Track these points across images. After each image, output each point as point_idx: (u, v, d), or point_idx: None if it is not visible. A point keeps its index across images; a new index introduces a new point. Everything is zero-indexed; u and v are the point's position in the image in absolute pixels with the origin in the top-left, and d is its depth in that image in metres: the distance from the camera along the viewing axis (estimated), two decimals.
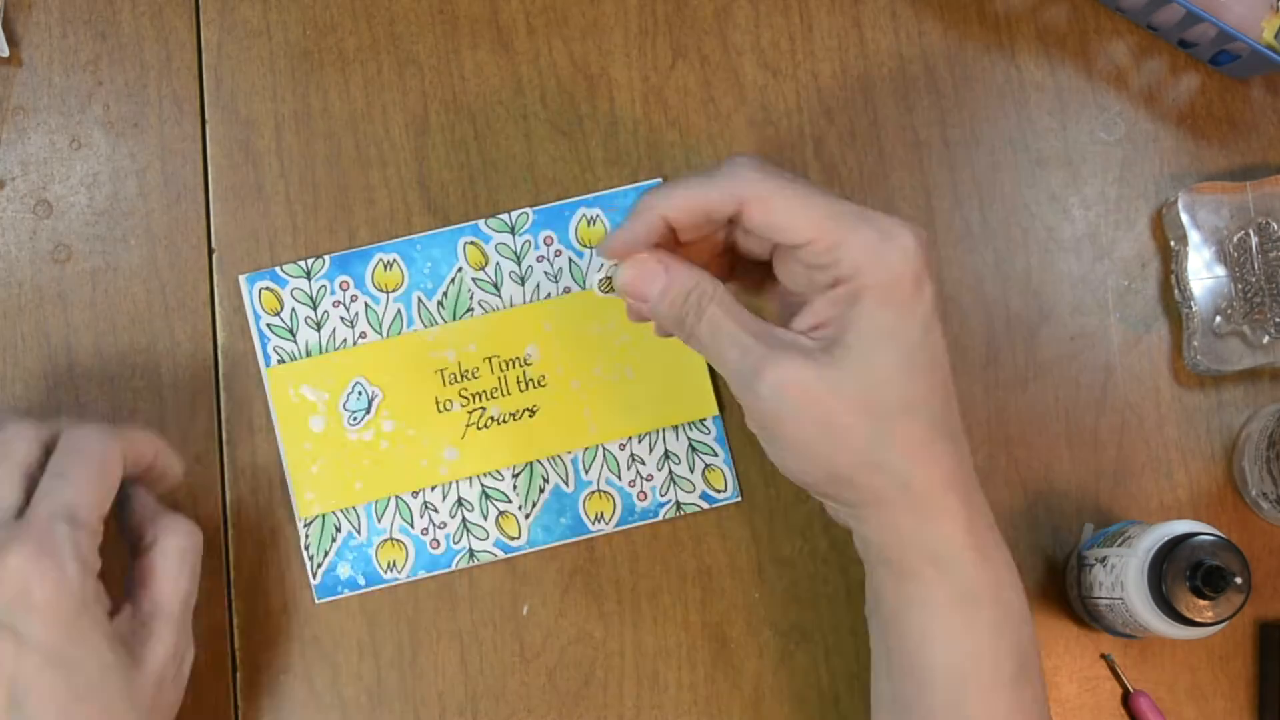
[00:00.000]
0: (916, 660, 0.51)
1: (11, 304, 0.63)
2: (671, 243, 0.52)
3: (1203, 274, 0.64)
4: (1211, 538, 0.56)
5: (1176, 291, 0.65)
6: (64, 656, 0.49)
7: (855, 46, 0.66)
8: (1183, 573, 0.56)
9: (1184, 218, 0.64)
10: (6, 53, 0.64)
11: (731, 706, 0.62)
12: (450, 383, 0.62)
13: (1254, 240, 0.64)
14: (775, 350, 0.50)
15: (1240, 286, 0.64)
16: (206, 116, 0.64)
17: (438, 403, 0.62)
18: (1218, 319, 0.64)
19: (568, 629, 0.62)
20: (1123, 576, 0.58)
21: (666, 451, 0.62)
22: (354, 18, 0.65)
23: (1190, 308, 0.64)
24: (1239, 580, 0.55)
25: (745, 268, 0.55)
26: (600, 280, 0.59)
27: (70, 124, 0.64)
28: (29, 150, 0.64)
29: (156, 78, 0.64)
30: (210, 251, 0.64)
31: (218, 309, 0.63)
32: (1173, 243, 0.65)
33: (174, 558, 0.54)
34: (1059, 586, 0.63)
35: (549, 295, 0.63)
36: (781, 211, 0.49)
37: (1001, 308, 0.65)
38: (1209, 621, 0.56)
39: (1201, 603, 0.56)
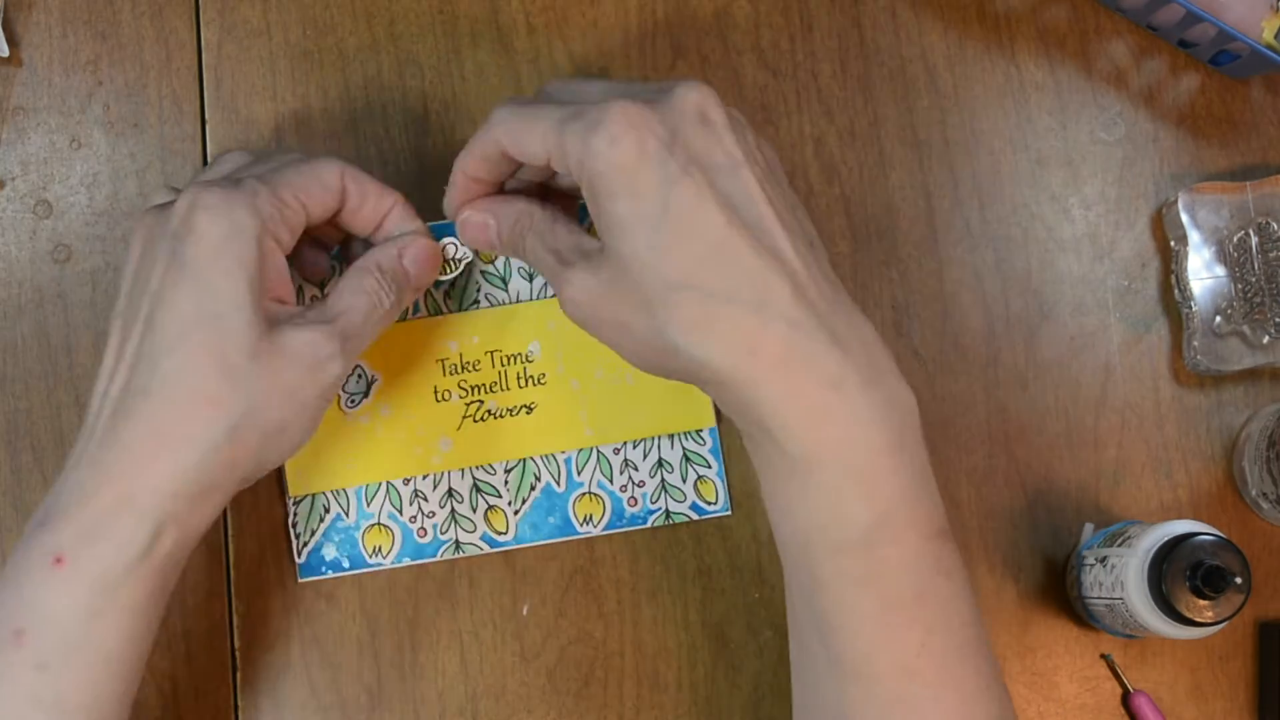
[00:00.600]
0: (777, 535, 0.51)
1: (11, 304, 0.63)
2: (498, 186, 0.58)
3: (1203, 274, 0.64)
4: (1211, 538, 0.56)
5: (1176, 291, 0.65)
6: (203, 282, 0.50)
7: (855, 46, 0.66)
8: (1183, 573, 0.56)
9: (1184, 218, 0.64)
10: (6, 53, 0.64)
11: (731, 706, 0.62)
12: (450, 373, 0.62)
13: (1254, 240, 0.64)
14: (567, 267, 0.52)
15: (1240, 286, 0.64)
16: (206, 116, 0.64)
17: (436, 392, 0.62)
18: (1218, 319, 0.64)
19: (568, 629, 0.62)
20: (1123, 576, 0.58)
21: (660, 459, 0.62)
22: (354, 18, 0.65)
23: (1190, 308, 0.64)
24: (1239, 580, 0.55)
25: (560, 191, 0.58)
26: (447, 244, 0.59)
27: (70, 124, 0.64)
28: (29, 150, 0.64)
29: (156, 78, 0.64)
30: None
31: None
32: (1173, 243, 0.65)
33: (367, 278, 0.55)
34: (1059, 586, 0.63)
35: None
36: (522, 138, 0.52)
37: (1001, 308, 0.65)
38: (1209, 621, 0.56)
39: (1201, 603, 0.56)
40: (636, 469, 0.62)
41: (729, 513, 0.63)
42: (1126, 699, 0.63)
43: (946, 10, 0.66)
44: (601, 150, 0.48)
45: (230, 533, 0.62)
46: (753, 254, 0.48)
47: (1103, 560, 0.59)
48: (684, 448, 0.62)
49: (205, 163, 0.64)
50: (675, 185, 0.48)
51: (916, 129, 0.66)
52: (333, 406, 0.62)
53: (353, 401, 0.62)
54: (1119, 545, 0.59)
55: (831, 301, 0.49)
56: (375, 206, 0.57)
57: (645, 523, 0.62)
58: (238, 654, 0.61)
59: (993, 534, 0.63)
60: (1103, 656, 0.63)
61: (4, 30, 0.64)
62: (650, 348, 0.50)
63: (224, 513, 0.62)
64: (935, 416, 0.64)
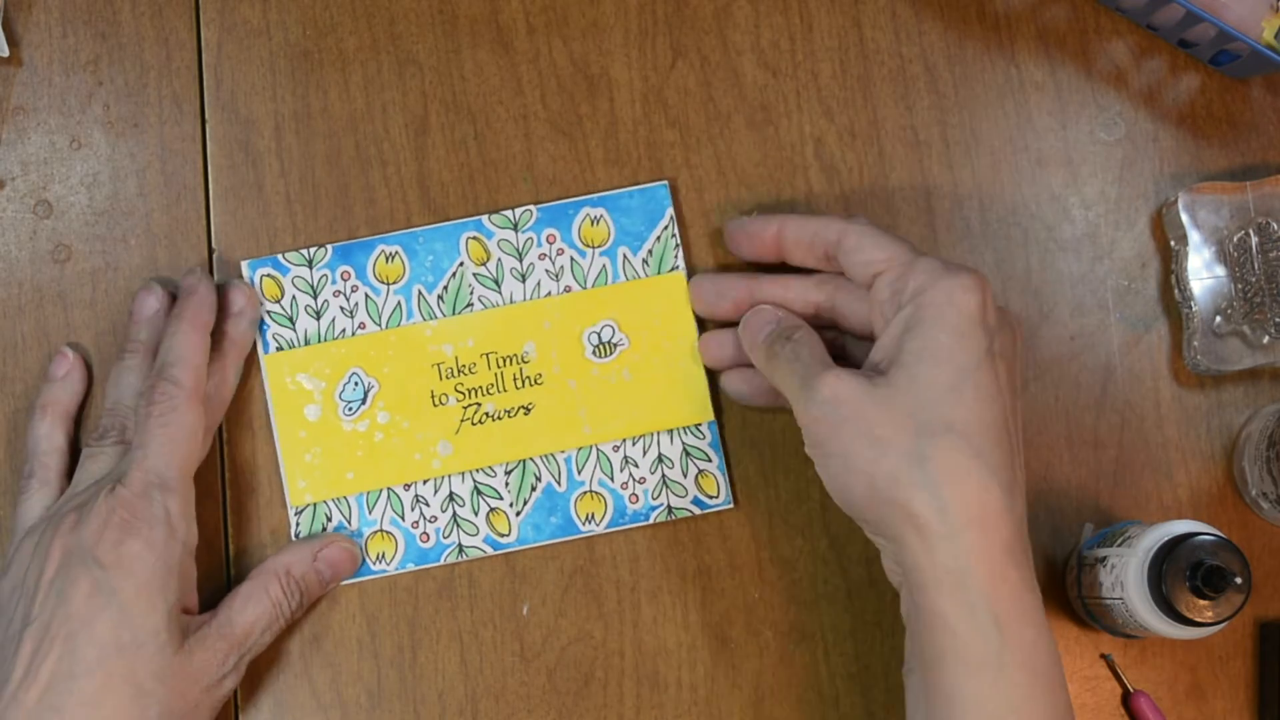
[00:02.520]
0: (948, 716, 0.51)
1: (11, 304, 0.63)
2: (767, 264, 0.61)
3: (1203, 274, 0.64)
4: (1211, 538, 0.56)
5: (1176, 291, 0.65)
6: (128, 614, 0.53)
7: (855, 46, 0.66)
8: (1183, 573, 0.56)
9: (1184, 218, 0.64)
10: (6, 53, 0.64)
11: (731, 706, 0.62)
12: (447, 377, 0.62)
13: (1254, 240, 0.64)
14: (830, 369, 0.54)
15: (1240, 286, 0.64)
16: (206, 116, 0.64)
17: (433, 396, 0.62)
18: (1218, 319, 0.64)
19: (568, 629, 0.62)
20: (1123, 576, 0.58)
21: (660, 455, 0.62)
22: (354, 18, 0.65)
23: (1190, 308, 0.64)
24: (1239, 580, 0.55)
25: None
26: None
27: (70, 124, 0.64)
28: (29, 150, 0.64)
29: (156, 78, 0.64)
30: (210, 251, 0.64)
31: None
32: (1173, 243, 0.65)
33: (273, 585, 0.58)
34: (1059, 586, 0.63)
35: (550, 294, 0.63)
36: (868, 239, 0.56)
37: None
38: (1209, 621, 0.56)
39: (1201, 603, 0.56)
40: (637, 465, 0.62)
41: (731, 506, 0.63)
42: (1126, 699, 0.63)
43: (946, 10, 0.66)
44: (953, 288, 0.52)
45: (230, 533, 0.62)
46: (1012, 448, 0.52)
47: (1103, 560, 0.59)
48: (684, 442, 0.62)
49: (205, 163, 0.64)
50: (994, 354, 0.52)
51: (916, 129, 0.66)
52: (331, 414, 0.62)
53: (350, 409, 0.62)
54: (1119, 545, 0.59)
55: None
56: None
57: (648, 519, 0.62)
58: None
59: None
60: (1103, 656, 0.63)
61: (4, 30, 0.64)
62: (890, 466, 0.51)
63: (224, 514, 0.62)
64: None
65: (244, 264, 0.62)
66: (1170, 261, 0.65)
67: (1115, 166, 0.66)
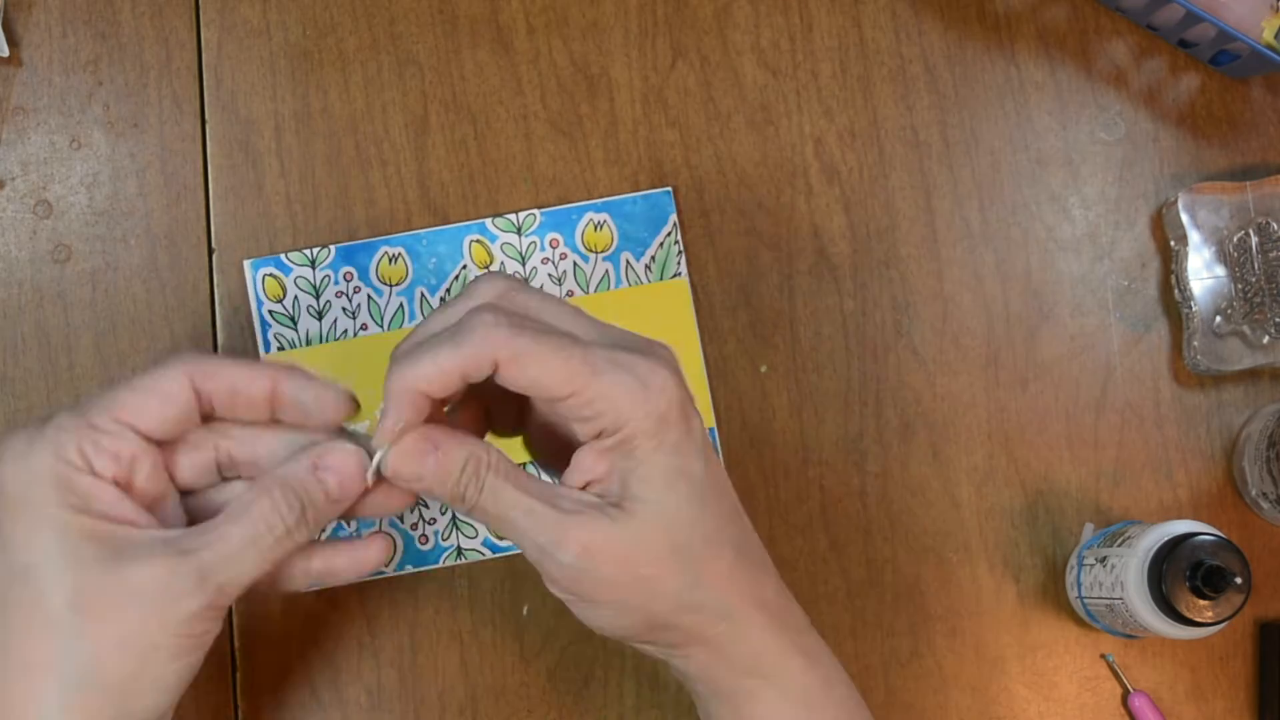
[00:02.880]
0: None
1: (11, 304, 0.63)
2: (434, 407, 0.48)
3: (1203, 274, 0.64)
4: (1211, 538, 0.56)
5: (1176, 291, 0.65)
6: (4, 536, 0.45)
7: (855, 46, 0.66)
8: (1183, 573, 0.56)
9: (1184, 218, 0.64)
10: (6, 53, 0.64)
11: None
12: None
13: (1254, 240, 0.64)
14: (569, 515, 0.47)
15: (1240, 286, 0.64)
16: (206, 116, 0.64)
17: None
18: (1218, 319, 0.64)
19: (568, 629, 0.62)
20: (1123, 576, 0.58)
21: None
22: (354, 18, 0.65)
23: (1190, 308, 0.64)
24: (1239, 580, 0.55)
25: (499, 407, 0.52)
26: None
27: (70, 124, 0.64)
28: (29, 150, 0.64)
29: (156, 78, 0.64)
30: (210, 251, 0.64)
31: (218, 309, 0.63)
32: (1173, 243, 0.65)
33: (262, 498, 0.47)
34: (1059, 586, 0.63)
35: None
36: (536, 369, 0.46)
37: (1001, 308, 0.65)
38: (1209, 621, 0.56)
39: (1201, 603, 0.56)
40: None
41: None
42: (1126, 699, 0.63)
43: (946, 10, 0.66)
44: (658, 404, 0.47)
45: None
46: (739, 512, 0.51)
47: (1103, 560, 0.59)
48: None
49: (205, 163, 0.64)
50: (706, 440, 0.49)
51: (916, 129, 0.66)
52: None
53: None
54: (1119, 545, 0.59)
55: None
56: (251, 394, 0.48)
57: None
58: (238, 654, 0.61)
59: (993, 534, 0.63)
60: (1103, 656, 0.63)
61: (4, 30, 0.64)
62: (666, 600, 0.48)
63: None
64: (935, 416, 0.64)
65: (246, 263, 0.62)
66: (1170, 261, 0.65)
67: (1115, 166, 0.66)
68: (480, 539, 0.62)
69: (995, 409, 0.64)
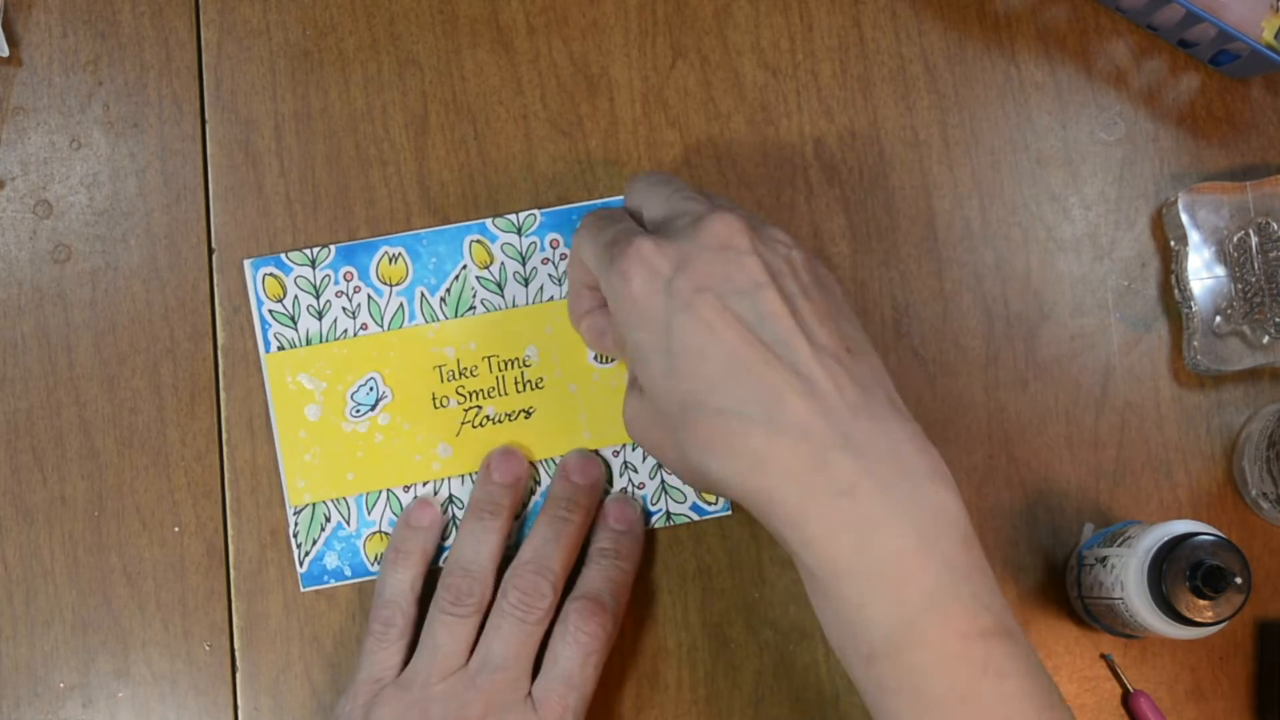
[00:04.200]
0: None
1: (11, 304, 0.63)
2: None
3: (1203, 274, 0.64)
4: (1211, 538, 0.56)
5: (1176, 291, 0.65)
6: None
7: (855, 46, 0.66)
8: (1183, 573, 0.56)
9: (1184, 218, 0.64)
10: (6, 53, 0.64)
11: (731, 706, 0.62)
12: (448, 379, 0.62)
13: (1254, 240, 0.64)
14: (630, 388, 0.56)
15: (1240, 286, 0.64)
16: (206, 116, 0.64)
17: (434, 399, 0.62)
18: (1218, 319, 0.64)
19: None
20: (1123, 576, 0.58)
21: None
22: (354, 18, 0.65)
23: (1190, 308, 0.64)
24: (1239, 580, 0.55)
25: None
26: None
27: (70, 124, 0.64)
28: (29, 150, 0.64)
29: (156, 78, 0.64)
30: (210, 251, 0.64)
31: (218, 309, 0.63)
32: (1173, 243, 0.65)
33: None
34: (1059, 586, 0.63)
35: (552, 298, 0.63)
36: (581, 259, 0.56)
37: (1001, 308, 0.65)
38: (1209, 621, 0.56)
39: (1201, 603, 0.56)
40: (636, 471, 0.62)
41: (729, 513, 0.63)
42: (1126, 699, 0.63)
43: (946, 10, 0.66)
44: (616, 286, 0.52)
45: (230, 533, 0.62)
46: (766, 369, 0.49)
47: (1103, 560, 0.59)
48: None
49: (205, 163, 0.64)
50: (679, 313, 0.50)
51: (916, 129, 0.66)
52: (332, 415, 0.62)
53: (358, 411, 0.62)
54: (1119, 545, 0.59)
55: (856, 408, 0.48)
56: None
57: (646, 525, 0.62)
58: (238, 654, 0.61)
59: (993, 534, 0.63)
60: (1103, 656, 0.63)
61: (4, 30, 0.64)
62: (684, 466, 0.52)
63: (224, 513, 0.62)
64: (935, 416, 0.64)
65: (246, 263, 0.62)
66: (1170, 261, 0.65)
67: (1115, 166, 0.66)
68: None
69: (995, 409, 0.64)
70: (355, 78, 0.65)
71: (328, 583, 0.61)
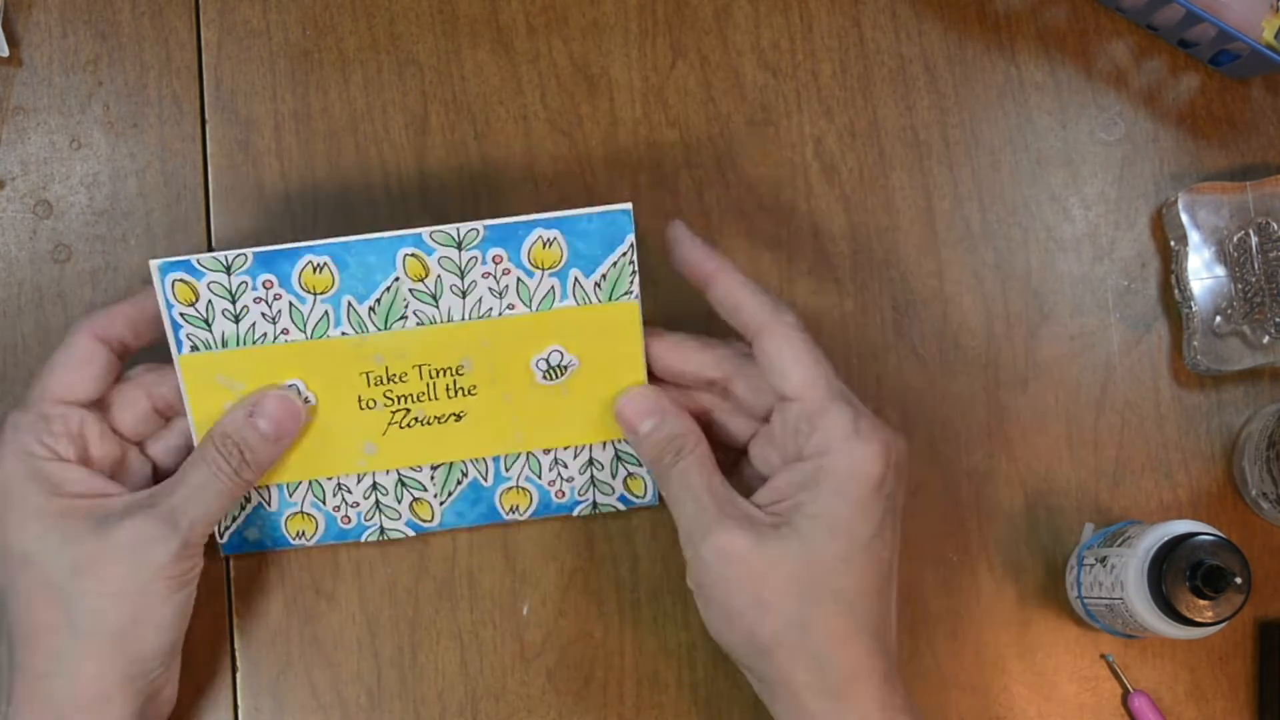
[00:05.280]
0: None
1: (11, 304, 0.63)
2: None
3: (1203, 274, 0.64)
4: (1211, 538, 0.56)
5: (1176, 291, 0.65)
6: (2, 536, 0.52)
7: (855, 46, 0.66)
8: (1183, 573, 0.56)
9: (1184, 218, 0.64)
10: (6, 53, 0.64)
11: (731, 706, 0.62)
12: (375, 384, 0.59)
13: (1254, 240, 0.64)
14: (726, 516, 0.52)
15: (1240, 286, 0.64)
16: (206, 116, 0.64)
17: (360, 401, 0.59)
18: (1218, 319, 0.64)
19: (568, 629, 0.62)
20: (1123, 576, 0.58)
21: (592, 459, 0.61)
22: (354, 18, 0.65)
23: (1190, 308, 0.64)
24: (1239, 580, 0.55)
25: (722, 450, 0.58)
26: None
27: (70, 124, 0.64)
28: (29, 150, 0.64)
29: (156, 78, 0.64)
30: (210, 251, 0.64)
31: None
32: (1173, 243, 0.65)
33: (208, 447, 0.56)
34: (1059, 586, 0.63)
35: (490, 311, 0.58)
36: (789, 353, 0.53)
37: (1001, 308, 0.65)
38: (1209, 621, 0.56)
39: (1201, 603, 0.56)
40: (565, 466, 0.61)
41: (656, 504, 0.62)
42: (1126, 699, 0.63)
43: (946, 10, 0.66)
44: (861, 456, 0.51)
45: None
46: (889, 601, 0.53)
47: (1103, 560, 0.59)
48: (616, 448, 0.61)
49: (205, 163, 0.64)
50: (887, 526, 0.52)
51: (916, 129, 0.66)
52: None
53: None
54: (1119, 545, 0.59)
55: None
56: (147, 317, 0.56)
57: (571, 511, 0.62)
58: (238, 654, 0.61)
59: (993, 534, 0.63)
60: (1103, 656, 0.63)
61: (4, 30, 0.64)
62: (774, 628, 0.51)
63: None
64: (935, 416, 0.64)
65: (153, 263, 0.56)
66: (1170, 261, 0.65)
67: (1115, 166, 0.66)
68: (404, 520, 0.61)
69: (995, 409, 0.64)
70: (355, 78, 0.65)
71: (247, 550, 0.61)
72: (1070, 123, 0.66)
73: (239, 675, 0.61)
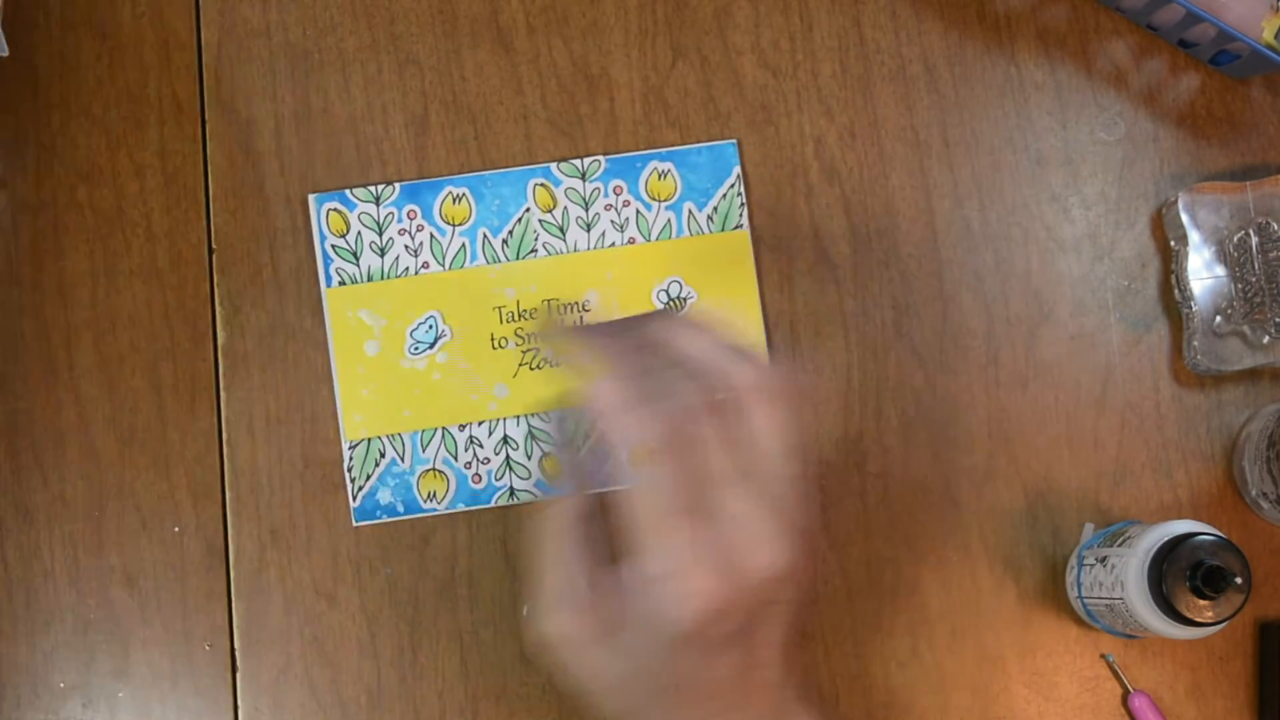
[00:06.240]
0: None
1: (12, 304, 0.63)
2: None
3: (1203, 274, 0.64)
4: (1211, 538, 0.56)
5: (1176, 291, 0.65)
6: None
7: (855, 46, 0.66)
8: (1183, 573, 0.56)
9: (1184, 218, 0.64)
10: (6, 52, 0.64)
11: None
12: (507, 321, 0.63)
13: (1254, 240, 0.64)
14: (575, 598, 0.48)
15: (1240, 286, 0.64)
16: (206, 116, 0.64)
17: (493, 339, 0.62)
18: (1218, 319, 0.64)
19: None
20: (1123, 576, 0.58)
21: None
22: (354, 18, 0.65)
23: (1190, 308, 0.64)
24: (1239, 580, 0.55)
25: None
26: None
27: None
28: None
29: (156, 78, 0.64)
30: (210, 251, 0.64)
31: (218, 309, 0.63)
32: (1173, 243, 0.65)
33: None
34: (1059, 586, 0.63)
35: (614, 244, 0.63)
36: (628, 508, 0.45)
37: (1001, 308, 0.65)
38: (1209, 621, 0.56)
39: (1201, 603, 0.56)
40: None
41: None
42: (1126, 699, 0.63)
43: (946, 10, 0.66)
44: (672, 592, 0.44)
45: (230, 533, 0.62)
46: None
47: (1103, 560, 0.59)
48: None
49: (205, 163, 0.64)
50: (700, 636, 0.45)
51: (916, 129, 0.66)
52: (391, 351, 0.62)
53: (416, 349, 0.62)
54: (1119, 545, 0.59)
55: None
56: None
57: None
58: (238, 654, 0.61)
59: (993, 534, 0.63)
60: (1103, 656, 0.63)
61: (4, 30, 0.64)
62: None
63: (224, 513, 0.62)
64: (935, 416, 0.64)
65: (311, 197, 0.63)
66: (1170, 261, 0.65)
67: (1115, 166, 0.66)
68: (534, 480, 0.62)
69: (995, 409, 0.64)
70: (355, 78, 0.65)
71: (380, 518, 0.61)
72: (1070, 123, 0.66)
73: (239, 675, 0.61)
